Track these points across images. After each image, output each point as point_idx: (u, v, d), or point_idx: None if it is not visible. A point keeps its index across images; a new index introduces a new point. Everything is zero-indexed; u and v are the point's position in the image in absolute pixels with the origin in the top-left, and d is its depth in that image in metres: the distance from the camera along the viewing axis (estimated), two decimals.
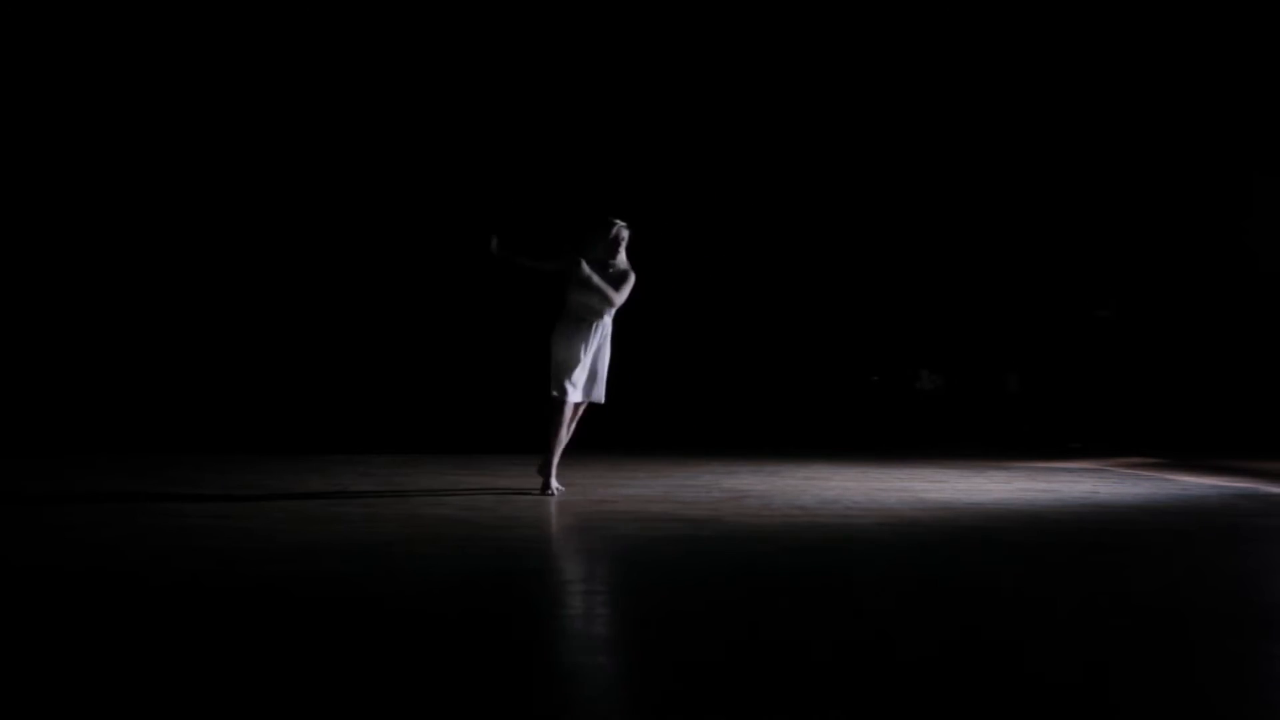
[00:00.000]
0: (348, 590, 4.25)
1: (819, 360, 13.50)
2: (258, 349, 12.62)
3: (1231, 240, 13.07)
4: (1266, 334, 12.94)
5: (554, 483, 7.09)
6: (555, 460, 7.09)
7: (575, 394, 7.03)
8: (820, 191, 13.30)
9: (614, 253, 7.05)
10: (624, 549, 5.28)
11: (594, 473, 8.77)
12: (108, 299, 12.50)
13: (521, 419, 12.25)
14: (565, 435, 7.13)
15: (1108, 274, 13.36)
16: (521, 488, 7.37)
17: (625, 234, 7.10)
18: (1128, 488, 8.08)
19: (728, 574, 4.83)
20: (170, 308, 12.61)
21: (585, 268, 6.92)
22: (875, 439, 12.45)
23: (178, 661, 3.20)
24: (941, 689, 3.01)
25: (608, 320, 7.09)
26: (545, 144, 12.94)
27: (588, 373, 7.05)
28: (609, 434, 12.04)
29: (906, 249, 13.40)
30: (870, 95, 13.25)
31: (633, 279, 7.04)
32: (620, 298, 7.00)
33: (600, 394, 7.15)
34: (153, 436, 11.34)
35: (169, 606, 3.94)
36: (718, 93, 13.02)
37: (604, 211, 7.40)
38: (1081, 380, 13.31)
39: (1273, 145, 12.68)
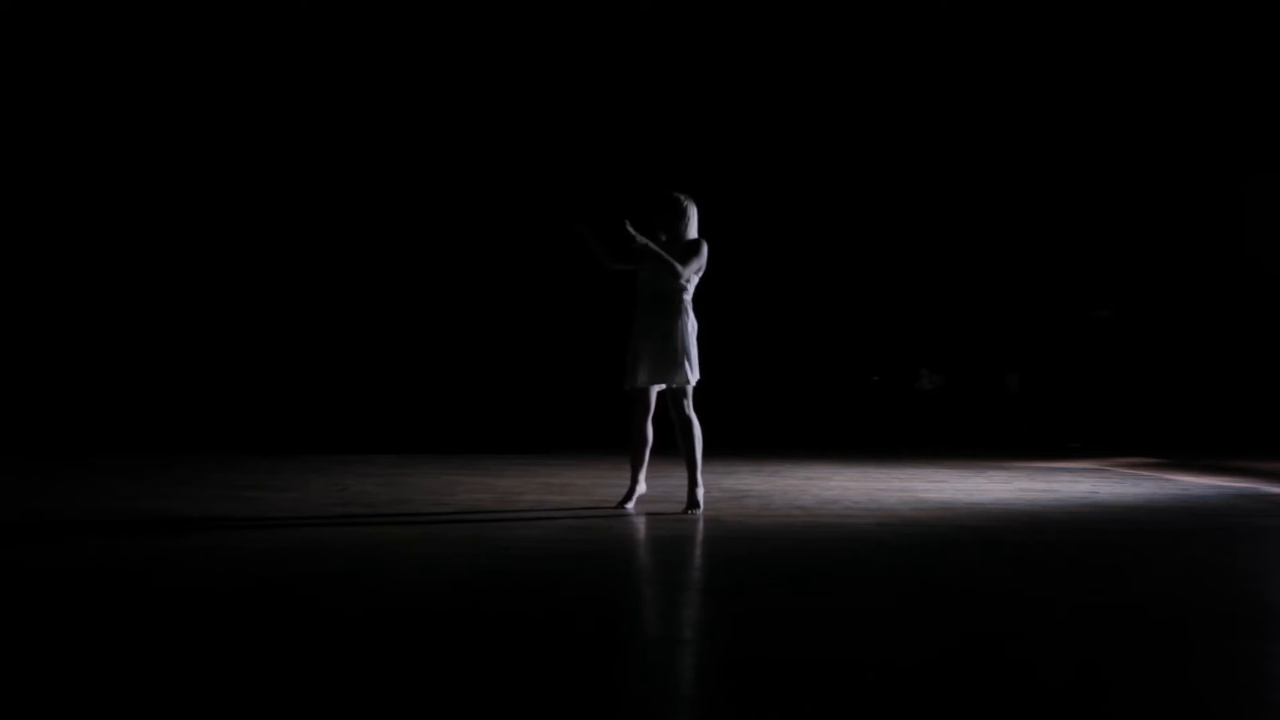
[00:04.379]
0: (349, 590, 4.26)
1: (819, 360, 13.51)
2: (258, 349, 12.63)
3: (1231, 240, 13.08)
4: (1266, 334, 12.95)
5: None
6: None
7: (640, 379, 6.51)
8: (821, 192, 13.30)
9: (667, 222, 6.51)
10: (623, 549, 5.28)
11: (595, 473, 8.78)
12: (107, 299, 12.51)
13: (523, 420, 12.29)
14: (647, 440, 6.68)
15: (1108, 274, 13.37)
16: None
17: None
18: (1128, 488, 8.08)
19: (728, 575, 4.83)
20: (170, 308, 12.62)
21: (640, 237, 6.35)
22: (875, 439, 12.45)
23: (179, 661, 3.20)
24: (940, 691, 3.01)
25: (664, 292, 6.48)
26: (537, 142, 12.94)
27: (647, 358, 6.51)
28: (609, 434, 12.07)
29: (907, 249, 13.41)
30: (871, 97, 13.26)
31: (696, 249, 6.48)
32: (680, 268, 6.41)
33: (659, 379, 6.52)
34: (153, 436, 11.35)
35: (170, 606, 3.94)
36: (718, 93, 13.03)
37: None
38: (1081, 380, 13.32)
39: (1271, 145, 12.69)
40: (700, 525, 5.97)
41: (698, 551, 5.35)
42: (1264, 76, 12.65)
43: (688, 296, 6.48)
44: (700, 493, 6.50)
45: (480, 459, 10.02)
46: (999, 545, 5.44)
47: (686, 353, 6.42)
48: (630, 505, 6.59)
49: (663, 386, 6.52)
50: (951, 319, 13.56)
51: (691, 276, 6.45)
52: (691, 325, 6.48)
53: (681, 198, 6.54)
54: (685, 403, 6.49)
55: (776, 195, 13.15)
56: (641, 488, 6.70)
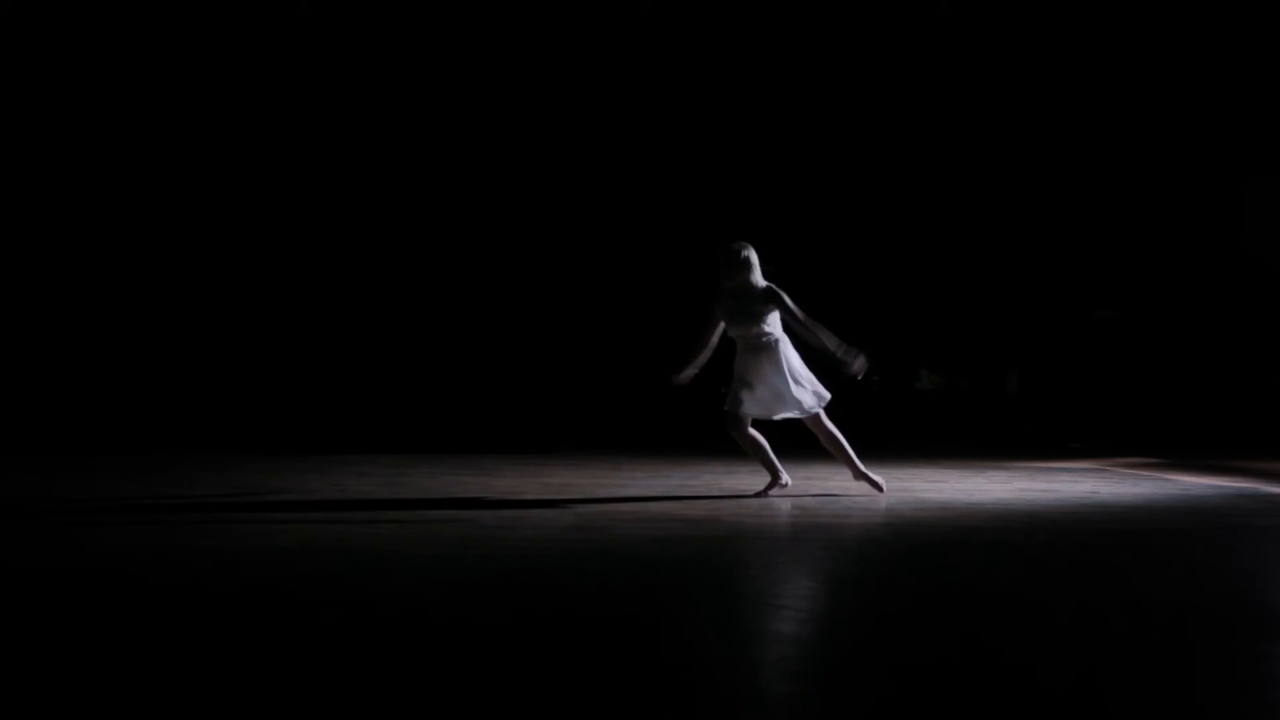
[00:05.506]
0: (348, 590, 4.26)
1: (818, 360, 13.49)
2: (257, 349, 12.62)
3: (1230, 240, 13.07)
4: (1266, 334, 12.95)
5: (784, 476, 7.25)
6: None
7: (746, 408, 7.14)
8: (820, 193, 13.30)
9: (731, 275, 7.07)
10: (625, 550, 5.28)
11: (595, 473, 8.77)
12: (107, 300, 12.50)
13: (522, 420, 12.28)
14: (759, 442, 7.27)
15: (1108, 274, 13.36)
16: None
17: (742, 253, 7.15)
18: (1128, 488, 8.07)
19: (727, 576, 4.83)
20: (170, 308, 12.62)
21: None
22: (875, 439, 12.43)
23: (179, 661, 3.20)
24: (940, 691, 3.01)
25: (756, 340, 7.14)
26: (535, 141, 12.94)
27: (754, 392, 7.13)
28: (610, 435, 12.07)
29: (907, 250, 13.40)
30: (871, 98, 13.25)
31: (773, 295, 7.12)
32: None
33: (778, 410, 7.18)
34: (152, 436, 11.34)
35: (170, 607, 3.94)
36: (716, 94, 13.02)
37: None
38: (1081, 380, 13.31)
39: (1271, 145, 12.69)
40: (700, 526, 5.97)
41: (698, 553, 5.35)
42: (1264, 77, 12.65)
43: (770, 338, 7.16)
44: (776, 484, 7.19)
45: (480, 459, 10.01)
46: (999, 545, 5.43)
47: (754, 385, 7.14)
48: (773, 490, 7.15)
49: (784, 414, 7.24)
50: (951, 319, 13.55)
51: (769, 317, 7.15)
52: (784, 359, 7.22)
53: (740, 248, 7.13)
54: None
55: (775, 195, 13.14)
56: (784, 479, 7.24)
